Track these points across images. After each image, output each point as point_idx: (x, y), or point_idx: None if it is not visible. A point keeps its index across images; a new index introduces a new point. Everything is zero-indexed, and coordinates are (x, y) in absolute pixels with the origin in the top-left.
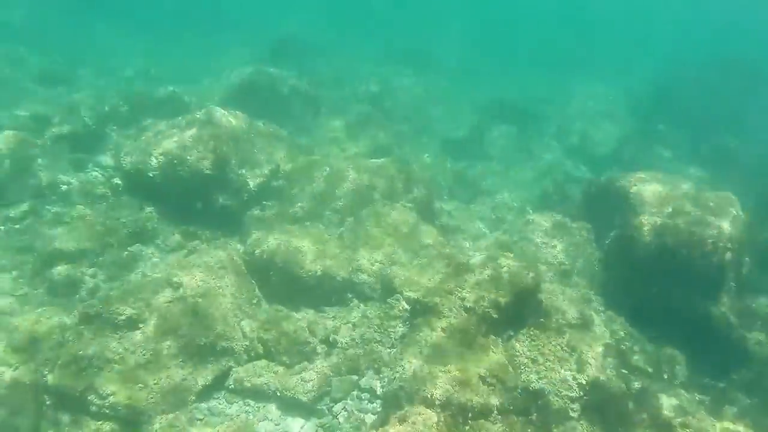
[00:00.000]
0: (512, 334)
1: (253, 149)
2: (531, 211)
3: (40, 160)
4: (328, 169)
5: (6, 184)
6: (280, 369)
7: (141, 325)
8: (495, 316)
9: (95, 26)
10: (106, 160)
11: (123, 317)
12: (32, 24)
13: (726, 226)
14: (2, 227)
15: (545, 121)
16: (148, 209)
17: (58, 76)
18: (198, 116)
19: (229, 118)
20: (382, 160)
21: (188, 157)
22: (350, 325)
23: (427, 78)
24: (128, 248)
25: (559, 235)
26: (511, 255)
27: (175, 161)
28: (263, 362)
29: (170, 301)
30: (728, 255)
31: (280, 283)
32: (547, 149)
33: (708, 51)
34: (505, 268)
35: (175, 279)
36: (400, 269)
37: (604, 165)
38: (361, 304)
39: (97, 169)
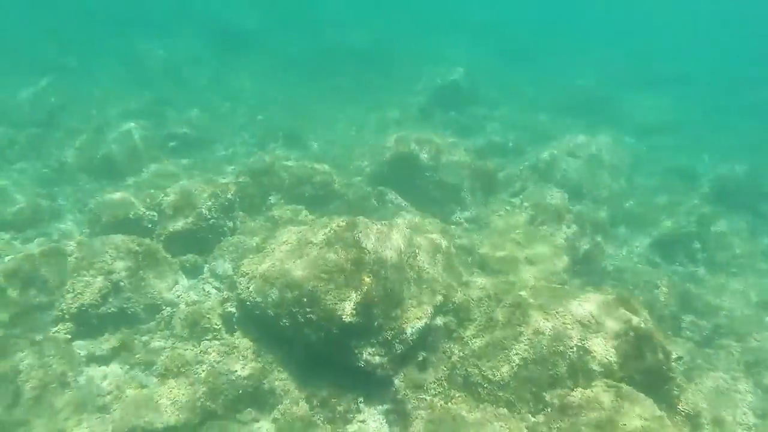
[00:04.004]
0: None
1: (411, 273)
2: None
3: (141, 272)
4: (513, 305)
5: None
6: None
7: None
8: None
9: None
10: (224, 266)
11: None
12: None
13: None
14: (84, 373)
15: None
16: (267, 358)
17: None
18: (338, 229)
19: (380, 237)
20: (594, 296)
21: (322, 295)
22: None
23: (615, 137)
24: (236, 416)
25: None
26: None
27: (305, 299)
28: None
29: None
30: None
31: None
32: None
33: None
34: None
35: None
36: None
37: None
38: None
39: (211, 280)
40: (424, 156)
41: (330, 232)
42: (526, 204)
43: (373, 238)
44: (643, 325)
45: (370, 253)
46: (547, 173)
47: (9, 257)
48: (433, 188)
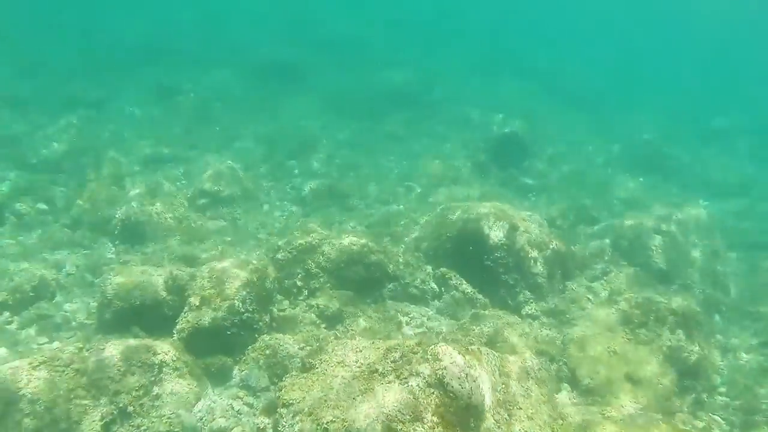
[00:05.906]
0: None
1: (502, 413)
2: None
3: (157, 388)
4: None
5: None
6: None
7: None
8: None
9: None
10: (259, 376)
11: None
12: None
13: None
14: None
15: None
16: None
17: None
18: (414, 358)
19: (470, 373)
20: None
21: None
22: None
23: (694, 202)
24: None
25: None
26: None
27: None
28: None
29: None
30: None
31: None
32: None
33: None
34: None
35: None
36: None
37: None
38: None
39: (242, 394)
40: (495, 234)
41: (402, 361)
42: (614, 295)
43: (461, 375)
44: None
45: (457, 398)
46: (630, 252)
47: None
48: (504, 271)
